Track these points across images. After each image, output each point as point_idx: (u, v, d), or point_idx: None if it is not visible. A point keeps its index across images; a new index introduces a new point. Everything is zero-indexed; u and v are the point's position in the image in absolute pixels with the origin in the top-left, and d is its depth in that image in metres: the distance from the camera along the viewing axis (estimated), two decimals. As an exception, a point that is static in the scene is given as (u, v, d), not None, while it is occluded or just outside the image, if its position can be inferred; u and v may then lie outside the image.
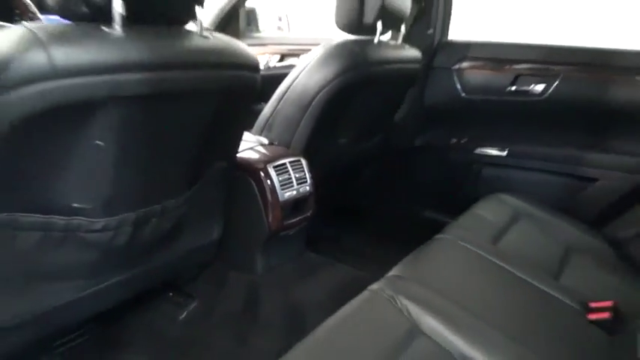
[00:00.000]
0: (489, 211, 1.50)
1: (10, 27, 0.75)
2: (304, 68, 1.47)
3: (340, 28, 1.49)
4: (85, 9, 0.78)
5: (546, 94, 1.75)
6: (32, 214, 0.84)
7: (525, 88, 1.79)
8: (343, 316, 0.92)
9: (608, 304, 1.10)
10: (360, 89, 1.52)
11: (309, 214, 1.46)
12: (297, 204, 1.41)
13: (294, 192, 1.36)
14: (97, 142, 0.82)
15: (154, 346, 1.30)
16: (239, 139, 1.23)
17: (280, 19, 2.67)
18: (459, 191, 1.90)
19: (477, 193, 1.66)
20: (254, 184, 1.31)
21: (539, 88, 1.76)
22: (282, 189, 1.33)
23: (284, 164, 1.35)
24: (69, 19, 0.80)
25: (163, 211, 1.05)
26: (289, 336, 1.29)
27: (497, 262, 1.21)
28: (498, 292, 1.11)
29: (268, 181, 1.30)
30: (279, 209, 1.33)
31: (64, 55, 0.71)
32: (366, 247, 1.58)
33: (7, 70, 0.67)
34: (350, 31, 1.50)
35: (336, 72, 1.42)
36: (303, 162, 1.42)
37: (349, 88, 1.46)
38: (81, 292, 1.00)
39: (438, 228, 1.32)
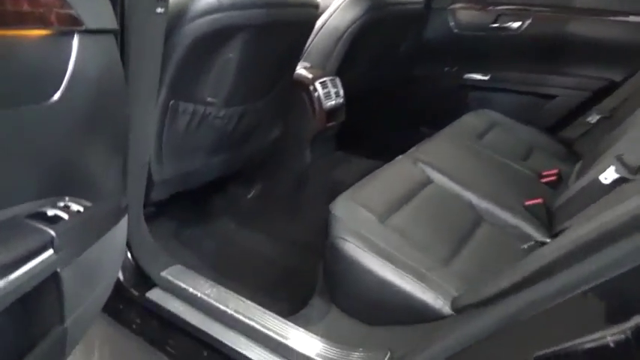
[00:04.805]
0: (474, 119, 2.00)
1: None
2: (336, 9, 1.89)
3: None
4: None
5: (521, 30, 2.21)
6: (186, 103, 1.30)
7: (504, 25, 2.25)
8: (377, 172, 1.40)
9: (555, 171, 1.63)
10: (376, 26, 1.96)
11: (340, 120, 1.94)
12: (332, 113, 1.88)
13: (333, 102, 1.83)
14: (230, 55, 1.28)
15: (231, 215, 1.79)
16: (298, 62, 1.68)
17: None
18: (449, 110, 2.38)
19: (464, 111, 2.14)
20: (305, 95, 1.77)
21: (516, 25, 2.22)
22: (325, 99, 1.79)
23: (325, 81, 1.81)
24: None
25: (254, 109, 1.52)
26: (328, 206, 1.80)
27: (481, 149, 1.72)
28: (481, 164, 1.62)
29: (316, 93, 1.77)
30: (323, 114, 1.80)
31: None
32: (377, 151, 2.06)
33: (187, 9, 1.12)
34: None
35: (361, 12, 1.86)
36: (338, 80, 1.88)
37: (370, 24, 1.90)
38: (204, 162, 1.48)
39: None
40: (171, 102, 1.26)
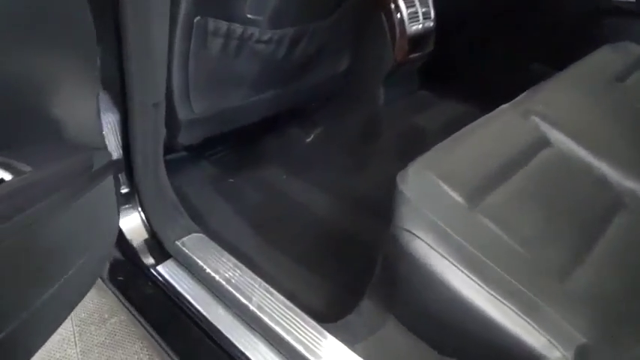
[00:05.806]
0: (612, 55, 1.48)
1: None
2: None
3: None
4: None
5: None
6: (218, 20, 0.98)
7: None
8: (470, 128, 1.01)
9: None
10: None
11: (427, 51, 1.52)
12: (417, 40, 1.46)
13: (420, 26, 1.42)
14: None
15: (285, 162, 1.50)
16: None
17: None
18: (578, 42, 1.84)
19: (598, 44, 1.60)
20: (384, 16, 1.37)
21: None
22: (410, 22, 1.38)
23: (412, -3, 1.39)
24: None
25: (312, 33, 1.16)
26: (404, 160, 1.43)
27: (621, 97, 1.25)
28: (622, 121, 1.16)
29: (398, 14, 1.36)
30: (406, 41, 1.40)
31: None
32: (473, 94, 1.63)
33: None
34: None
35: None
36: (430, -3, 1.44)
37: None
38: (247, 99, 1.18)
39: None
40: (197, 18, 0.95)
